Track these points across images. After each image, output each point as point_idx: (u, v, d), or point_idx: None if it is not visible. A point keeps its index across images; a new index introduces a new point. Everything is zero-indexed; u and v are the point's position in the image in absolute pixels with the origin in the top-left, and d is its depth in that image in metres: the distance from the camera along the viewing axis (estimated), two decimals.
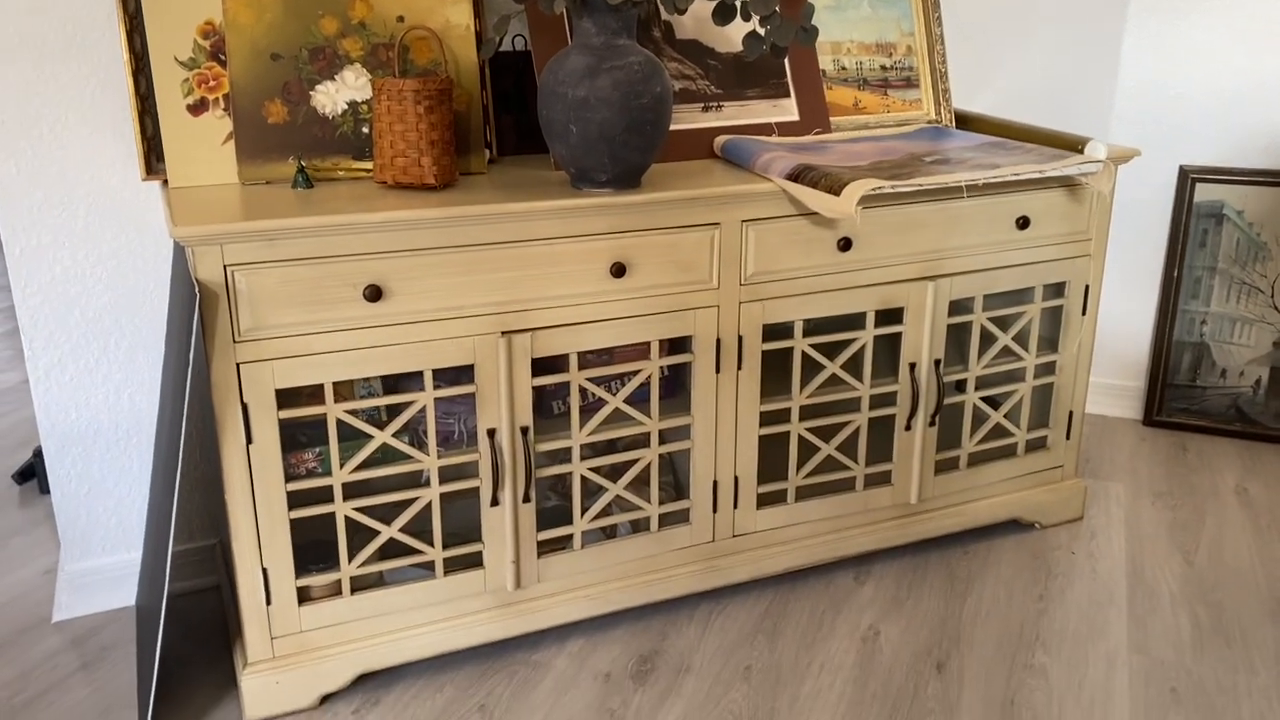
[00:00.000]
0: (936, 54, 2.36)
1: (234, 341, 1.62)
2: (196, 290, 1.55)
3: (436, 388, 1.79)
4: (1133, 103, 2.77)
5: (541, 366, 1.85)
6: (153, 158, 1.82)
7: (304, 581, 1.78)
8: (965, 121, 2.40)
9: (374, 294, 1.66)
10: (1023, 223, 2.12)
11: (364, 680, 1.86)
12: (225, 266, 1.58)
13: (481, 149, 1.93)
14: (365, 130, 1.86)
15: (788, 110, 2.18)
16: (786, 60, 2.19)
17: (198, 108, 1.80)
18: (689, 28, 2.11)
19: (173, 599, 2.13)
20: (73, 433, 2.01)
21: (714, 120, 2.11)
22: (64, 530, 2.05)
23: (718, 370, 1.96)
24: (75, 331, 1.96)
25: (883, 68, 2.34)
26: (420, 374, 1.75)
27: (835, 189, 1.76)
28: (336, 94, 1.85)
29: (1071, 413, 2.34)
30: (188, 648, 1.98)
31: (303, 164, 1.79)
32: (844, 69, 2.30)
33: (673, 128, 2.06)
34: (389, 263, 1.67)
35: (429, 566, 1.86)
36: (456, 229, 1.69)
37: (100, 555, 2.09)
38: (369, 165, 1.85)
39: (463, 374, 1.79)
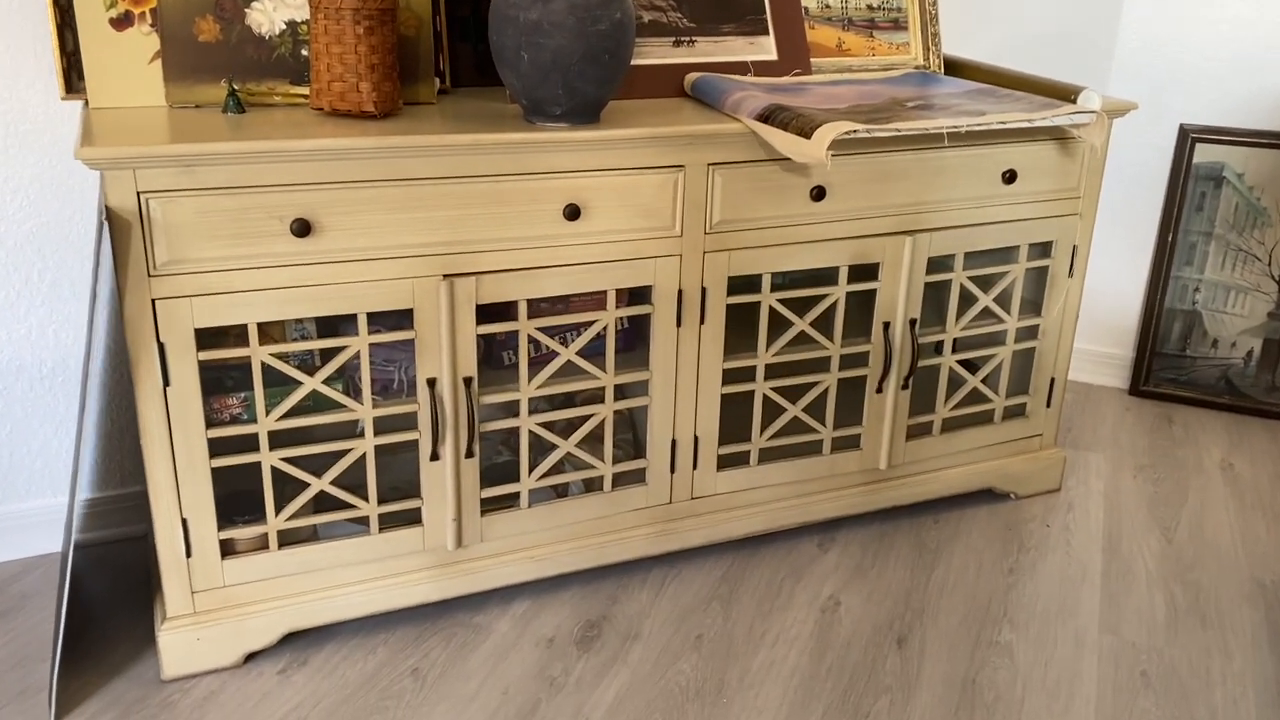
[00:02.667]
0: None
1: (149, 275, 1.49)
2: (103, 218, 1.43)
3: (373, 332, 1.68)
4: (1133, 56, 2.63)
5: (489, 313, 1.73)
6: (73, 75, 1.69)
7: (228, 534, 1.67)
8: (955, 68, 2.27)
9: (302, 228, 1.54)
10: (1009, 176, 2.00)
11: (292, 639, 1.76)
12: (139, 194, 1.46)
13: (431, 77, 1.79)
14: (305, 53, 1.72)
15: (765, 49, 2.05)
16: None
17: (122, 22, 1.66)
18: None
19: (101, 547, 2.02)
20: None
21: (685, 56, 1.98)
22: None
23: (679, 324, 1.84)
24: None
25: (869, 8, 2.20)
26: (357, 317, 1.64)
27: (806, 131, 1.63)
28: (274, 12, 1.71)
29: (1053, 379, 2.23)
30: (112, 599, 1.88)
31: (234, 87, 1.66)
32: (828, 7, 2.16)
33: (641, 62, 1.93)
34: (319, 195, 1.54)
35: (365, 522, 1.76)
36: (393, 161, 1.56)
37: (24, 499, 1.98)
38: (308, 91, 1.72)
39: (403, 319, 1.67)
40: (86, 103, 1.66)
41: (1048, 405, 2.25)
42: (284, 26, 1.72)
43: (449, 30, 1.91)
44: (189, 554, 1.64)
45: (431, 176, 1.59)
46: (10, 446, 1.94)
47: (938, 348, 2.10)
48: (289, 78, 1.72)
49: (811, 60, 2.11)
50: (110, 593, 1.90)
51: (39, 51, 1.75)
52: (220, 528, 1.66)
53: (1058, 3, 2.61)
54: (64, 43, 1.67)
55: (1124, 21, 2.61)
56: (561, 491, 1.92)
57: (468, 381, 1.72)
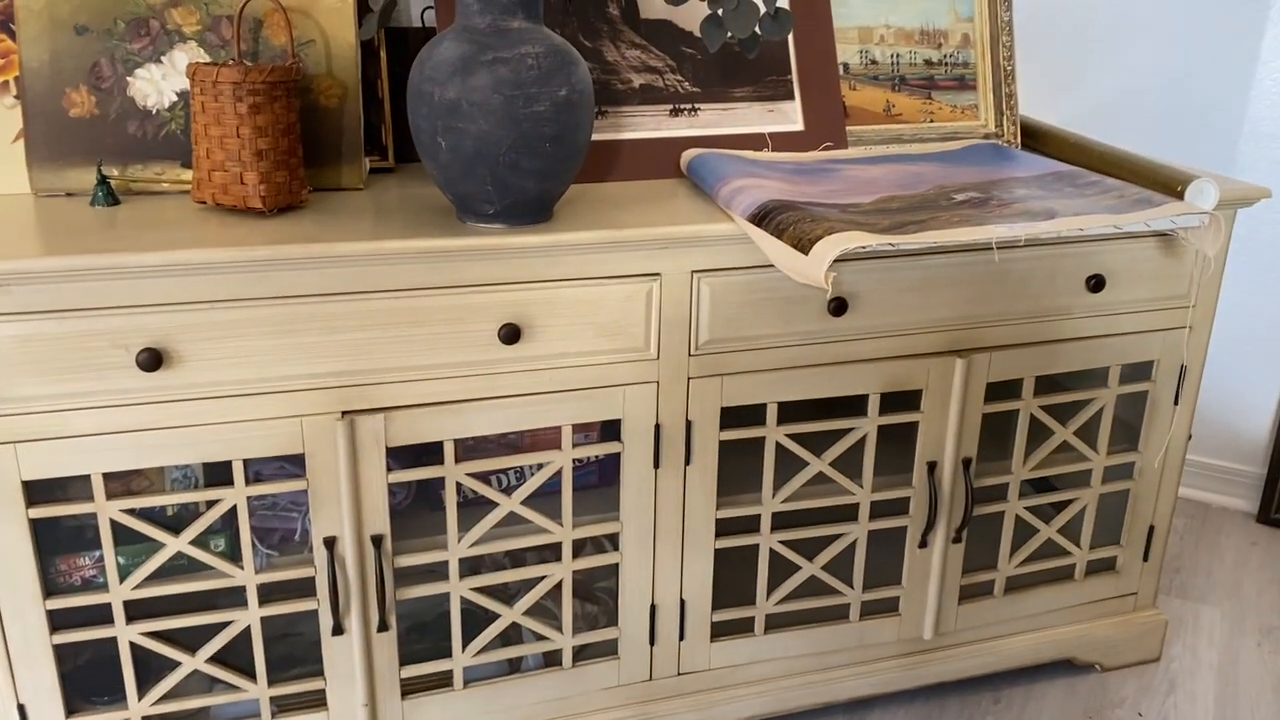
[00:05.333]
0: (1002, 47, 1.80)
1: None
2: None
3: (265, 478, 1.35)
4: (1271, 116, 2.14)
5: (414, 454, 1.39)
6: None
7: None
8: (1035, 138, 1.83)
9: (151, 361, 1.21)
10: (1095, 283, 1.56)
11: None
12: None
13: (358, 158, 1.46)
14: None
15: (789, 117, 1.66)
16: (791, 50, 1.66)
17: None
18: (658, 5, 1.60)
19: None
20: None
21: (685, 129, 1.61)
22: None
23: (657, 465, 1.47)
24: None
25: (928, 63, 1.79)
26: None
27: (804, 243, 1.24)
28: (163, 81, 1.40)
29: (1153, 528, 1.77)
30: None
31: (104, 175, 1.36)
32: (874, 63, 1.76)
33: (630, 136, 1.57)
34: (175, 317, 1.22)
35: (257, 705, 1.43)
36: (268, 275, 1.23)
37: None
38: None
39: (299, 461, 1.34)
40: None
41: (1145, 559, 1.79)
42: (175, 98, 1.41)
43: (396, 95, 1.58)
44: None
45: (322, 292, 1.26)
46: None
47: (1000, 491, 1.67)
48: (180, 160, 1.42)
49: (850, 130, 1.71)
50: None
51: None
52: (72, 711, 1.35)
53: (1170, 53, 2.14)
54: None
55: (1258, 76, 2.12)
56: (517, 665, 1.56)
57: (377, 540, 1.37)
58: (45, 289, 1.17)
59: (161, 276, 1.20)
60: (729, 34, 1.31)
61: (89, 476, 1.27)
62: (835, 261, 1.21)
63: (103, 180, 1.35)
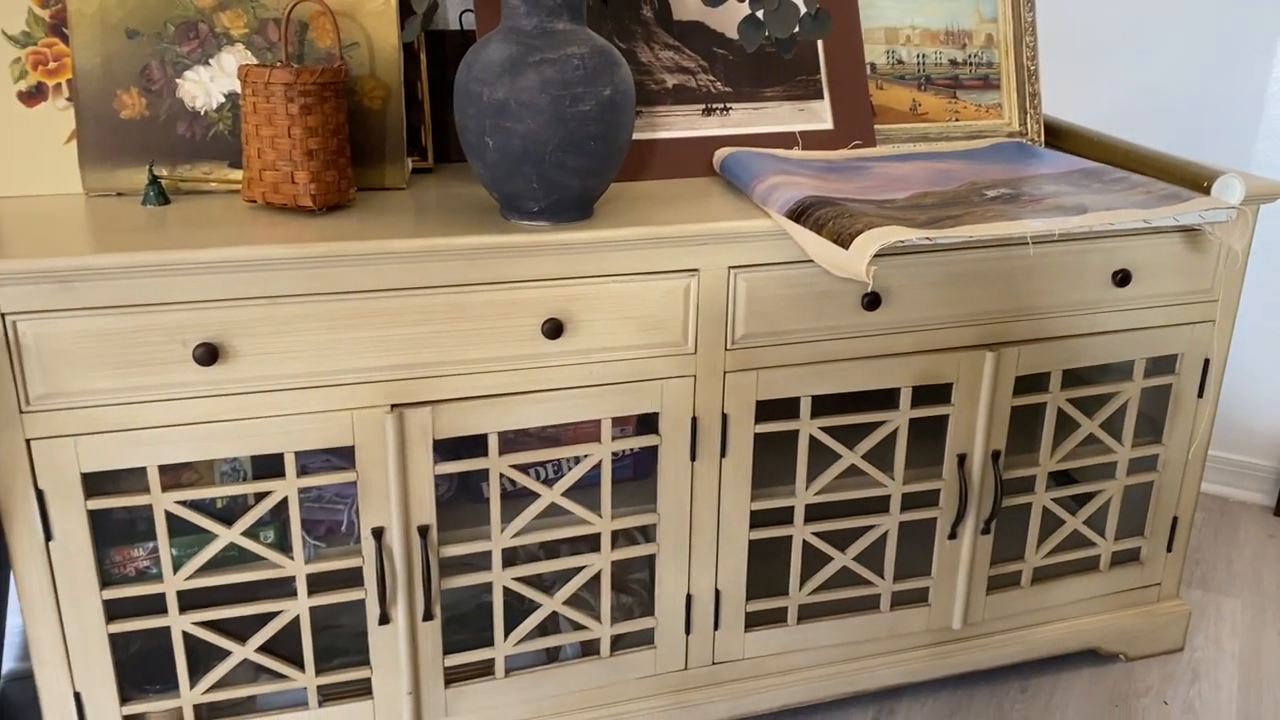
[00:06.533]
0: (1025, 47, 1.83)
1: (20, 412, 1.22)
2: None
3: (314, 469, 1.39)
4: None
5: (456, 447, 1.42)
6: None
7: (136, 708, 1.39)
8: (1058, 136, 1.87)
9: (208, 355, 1.25)
10: (1121, 277, 1.59)
11: None
12: (4, 315, 1.19)
13: (400, 159, 1.50)
14: None
15: (819, 116, 1.69)
16: (820, 50, 1.69)
17: (33, 96, 1.41)
18: (691, 7, 1.63)
19: (20, 680, 1.77)
20: None
21: (718, 128, 1.64)
22: None
23: (693, 457, 1.50)
24: None
25: (953, 63, 1.82)
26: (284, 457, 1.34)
27: (844, 238, 1.27)
28: (211, 83, 1.44)
29: (1176, 519, 1.80)
30: None
31: (156, 174, 1.39)
32: (901, 63, 1.79)
33: (661, 136, 1.60)
34: (231, 313, 1.25)
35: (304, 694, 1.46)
36: (323, 271, 1.26)
37: None
38: None
39: (348, 453, 1.37)
40: None
41: (1169, 550, 1.82)
42: (223, 99, 1.44)
43: (435, 97, 1.61)
44: None
45: (373, 289, 1.29)
46: None
47: (1028, 483, 1.70)
48: (228, 160, 1.45)
49: (877, 128, 1.74)
50: None
51: None
52: (126, 699, 1.38)
53: (1186, 54, 2.17)
54: None
55: (1274, 75, 2.15)
56: (554, 655, 1.59)
57: (424, 531, 1.40)
58: (106, 285, 1.20)
59: (219, 273, 1.23)
60: (766, 34, 1.34)
61: (139, 470, 1.30)
62: (875, 256, 1.24)
63: (154, 180, 1.38)
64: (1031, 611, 1.78)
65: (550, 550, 1.63)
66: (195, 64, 1.43)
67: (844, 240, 1.27)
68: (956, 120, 1.81)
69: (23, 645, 1.78)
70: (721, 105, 1.64)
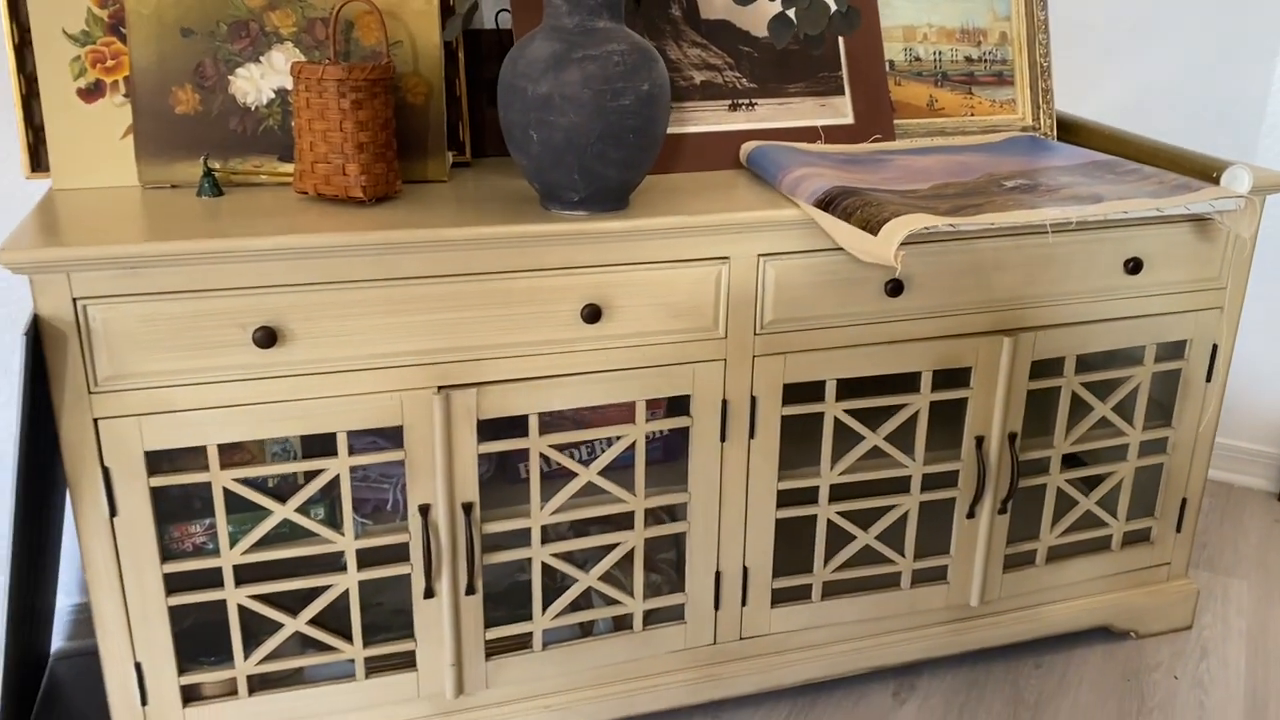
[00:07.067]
0: (1038, 44, 1.90)
1: (89, 392, 1.29)
2: (26, 330, 1.22)
3: (363, 448, 1.45)
4: None
5: (494, 429, 1.48)
6: (42, 150, 1.50)
7: (192, 678, 1.45)
8: (1070, 131, 1.93)
9: (266, 338, 1.31)
10: (1133, 266, 1.66)
11: None
12: (75, 300, 1.25)
13: (442, 153, 1.56)
14: None
15: (840, 111, 1.75)
16: (841, 48, 1.75)
17: (91, 92, 1.47)
18: (717, 6, 1.70)
19: (89, 656, 1.83)
20: None
21: (743, 122, 1.70)
22: None
23: (723, 438, 1.56)
24: None
25: (968, 60, 1.88)
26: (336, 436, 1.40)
27: (873, 225, 1.34)
28: (261, 80, 1.50)
29: (1185, 501, 1.87)
30: (97, 713, 1.68)
31: (210, 167, 1.45)
32: (918, 60, 1.86)
33: (689, 130, 1.66)
34: (288, 298, 1.32)
35: (351, 665, 1.52)
36: (375, 258, 1.33)
37: None
38: None
39: (395, 434, 1.44)
40: None
41: (1178, 530, 1.88)
42: (272, 95, 1.50)
43: (472, 94, 1.68)
44: (144, 702, 1.43)
45: (423, 275, 1.35)
46: None
47: (1042, 465, 1.76)
48: (277, 154, 1.51)
49: (896, 123, 1.80)
50: (94, 707, 1.70)
51: (4, 124, 1.58)
52: (183, 670, 1.44)
53: (1191, 50, 2.24)
54: (30, 115, 1.49)
55: (1279, 72, 2.22)
56: (589, 629, 1.66)
57: (467, 508, 1.47)
58: (170, 271, 1.27)
59: (280, 259, 1.29)
60: (796, 32, 1.40)
61: (193, 450, 1.37)
62: (901, 243, 1.30)
63: (209, 172, 1.44)
64: (1046, 589, 1.84)
65: (579, 530, 1.69)
66: (246, 61, 1.49)
67: (872, 227, 1.33)
68: (972, 115, 1.88)
69: (71, 625, 1.84)
70: (747, 101, 1.71)
